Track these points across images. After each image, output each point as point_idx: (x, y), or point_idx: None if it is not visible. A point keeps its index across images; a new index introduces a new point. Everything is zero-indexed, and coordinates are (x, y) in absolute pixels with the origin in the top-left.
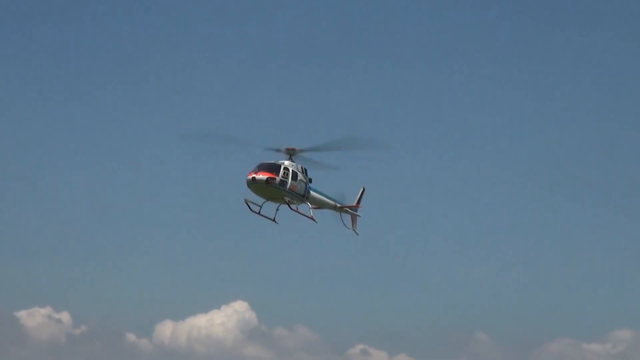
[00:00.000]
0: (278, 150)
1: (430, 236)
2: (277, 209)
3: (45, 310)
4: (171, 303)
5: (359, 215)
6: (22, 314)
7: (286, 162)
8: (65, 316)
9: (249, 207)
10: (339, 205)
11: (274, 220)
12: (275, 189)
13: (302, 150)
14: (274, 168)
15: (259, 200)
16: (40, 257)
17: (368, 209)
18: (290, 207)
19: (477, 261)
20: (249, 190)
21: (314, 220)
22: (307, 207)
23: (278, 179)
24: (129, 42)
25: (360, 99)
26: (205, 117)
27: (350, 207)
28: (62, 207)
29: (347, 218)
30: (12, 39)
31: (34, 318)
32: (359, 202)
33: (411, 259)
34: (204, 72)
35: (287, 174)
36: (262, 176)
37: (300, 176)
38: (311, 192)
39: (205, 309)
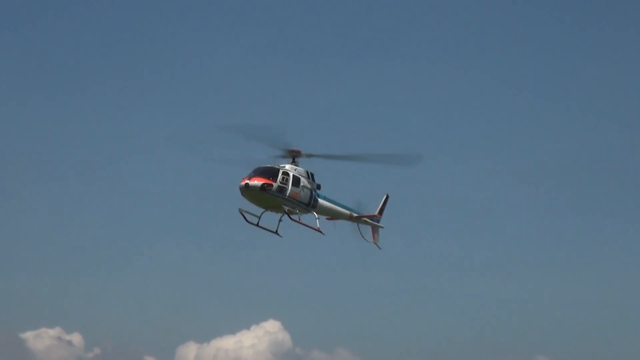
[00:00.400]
0: (281, 152)
1: (468, 249)
2: (280, 220)
3: (54, 332)
4: (194, 323)
5: (381, 227)
6: (28, 335)
7: (287, 166)
8: (76, 338)
9: (245, 218)
10: (355, 215)
11: (276, 232)
12: (272, 197)
13: (309, 155)
14: (271, 173)
15: (257, 210)
16: (48, 272)
17: (391, 219)
18: (291, 218)
19: (524, 277)
20: (243, 199)
21: (321, 231)
22: (312, 218)
23: (275, 185)
24: (125, 37)
25: (379, 98)
26: (198, 116)
27: (369, 217)
28: (70, 217)
29: (367, 230)
30: None
31: (42, 340)
32: (381, 211)
33: (447, 275)
34: (198, 65)
35: (287, 180)
36: (256, 182)
37: (303, 182)
38: (319, 200)
39: (233, 329)
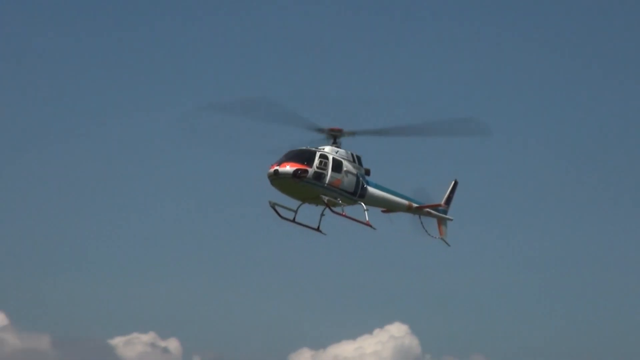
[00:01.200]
0: (320, 131)
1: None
2: (323, 214)
3: (147, 337)
4: (308, 327)
5: (450, 219)
6: (118, 341)
7: (326, 148)
8: (173, 344)
9: (278, 213)
10: (415, 205)
11: (318, 229)
12: (308, 186)
13: (353, 133)
14: (305, 157)
15: (292, 202)
16: (138, 271)
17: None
18: (332, 210)
19: None
20: (273, 189)
21: (371, 225)
22: (361, 210)
23: (311, 170)
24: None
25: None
26: (214, 89)
27: (433, 207)
28: (155, 212)
29: (432, 223)
30: None
31: (134, 347)
32: (448, 200)
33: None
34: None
35: (326, 164)
36: (288, 168)
37: (347, 166)
38: (369, 188)
39: (352, 334)
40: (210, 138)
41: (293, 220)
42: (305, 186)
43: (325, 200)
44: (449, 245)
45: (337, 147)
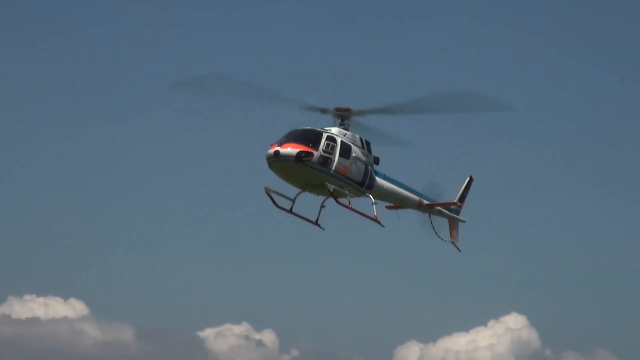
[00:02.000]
0: (323, 111)
1: None
2: (323, 205)
3: (240, 329)
4: (417, 318)
5: (463, 220)
6: (208, 333)
7: (333, 130)
8: (268, 336)
9: (273, 201)
10: (426, 202)
11: (316, 223)
12: (312, 171)
13: (362, 112)
14: (310, 137)
15: (291, 190)
16: (230, 257)
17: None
18: (338, 201)
19: None
20: (271, 172)
21: (379, 222)
22: (368, 203)
23: (317, 154)
24: None
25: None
26: (207, 58)
27: (445, 205)
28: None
29: (443, 224)
30: None
31: (225, 339)
32: (462, 198)
33: None
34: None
35: (334, 148)
36: (290, 150)
37: (356, 152)
38: (377, 179)
39: (465, 325)
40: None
41: (290, 211)
42: (309, 171)
43: (331, 189)
44: (459, 251)
45: (345, 129)
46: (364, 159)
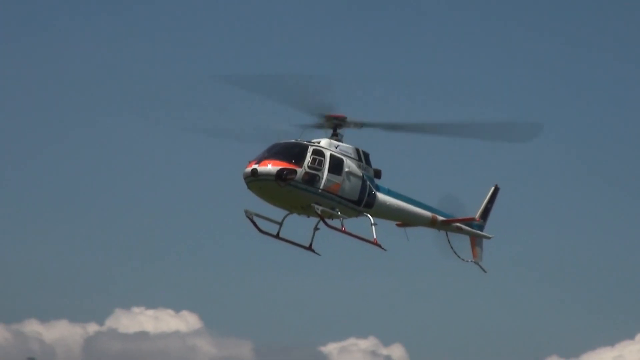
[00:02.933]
0: (320, 126)
1: None
2: (317, 228)
3: (366, 343)
4: (559, 332)
5: (488, 237)
6: (332, 348)
7: (323, 142)
8: (397, 351)
9: (255, 226)
10: (442, 218)
11: (309, 248)
12: (295, 191)
13: (360, 124)
14: (294, 152)
15: (275, 211)
16: (354, 265)
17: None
18: (327, 224)
19: None
20: (250, 193)
21: (380, 245)
22: (367, 224)
23: (301, 171)
24: None
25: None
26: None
27: (464, 222)
28: None
29: (463, 242)
30: None
31: (350, 355)
32: (486, 212)
33: None
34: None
35: (321, 163)
36: (269, 167)
37: (349, 166)
38: (379, 195)
39: (611, 339)
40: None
41: (277, 236)
42: (293, 191)
43: (319, 211)
44: (485, 272)
45: (338, 140)
46: (360, 174)
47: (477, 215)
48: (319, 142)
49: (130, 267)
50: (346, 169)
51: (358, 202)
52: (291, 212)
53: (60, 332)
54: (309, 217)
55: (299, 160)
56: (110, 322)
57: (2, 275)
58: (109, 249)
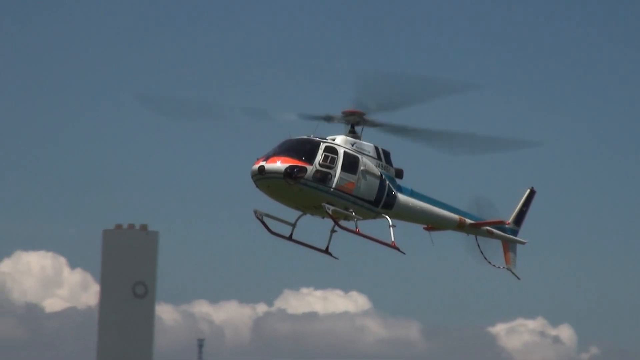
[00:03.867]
0: (329, 119)
1: None
2: (334, 230)
3: (534, 324)
4: None
5: (523, 242)
6: (500, 329)
7: (338, 139)
8: (565, 332)
9: (266, 227)
10: (470, 221)
11: (326, 251)
12: (305, 190)
13: (379, 124)
14: (305, 149)
15: (287, 211)
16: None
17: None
18: (340, 225)
19: None
20: (259, 192)
21: (398, 249)
22: (385, 226)
23: (311, 169)
24: None
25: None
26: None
27: (494, 225)
28: None
29: (495, 246)
30: None
31: (519, 335)
32: (520, 216)
33: None
34: None
35: (334, 160)
36: (278, 165)
37: (365, 164)
38: (400, 196)
39: None
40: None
41: (290, 238)
42: (303, 190)
43: (330, 212)
44: (519, 279)
45: (356, 137)
46: (378, 173)
47: (511, 219)
48: (334, 139)
49: (299, 248)
50: (362, 168)
51: (375, 203)
52: (304, 213)
53: (230, 313)
54: (323, 218)
55: (310, 158)
56: (279, 303)
57: (173, 258)
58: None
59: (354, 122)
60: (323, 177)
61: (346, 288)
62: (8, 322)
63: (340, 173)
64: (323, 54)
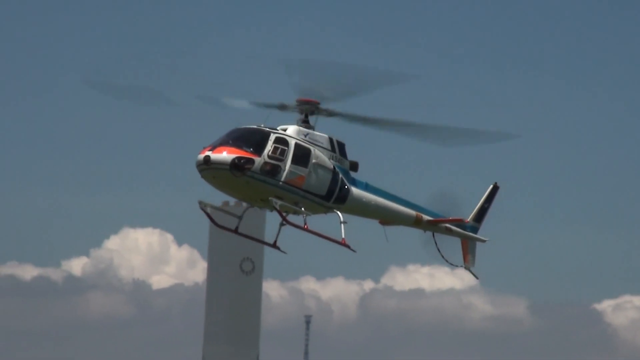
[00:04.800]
0: (282, 108)
1: None
2: (283, 224)
3: None
4: None
5: (483, 240)
6: (606, 306)
7: (289, 129)
8: None
9: (211, 219)
10: (428, 218)
11: (274, 245)
12: (253, 183)
13: (333, 113)
14: (253, 139)
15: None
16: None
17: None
18: (287, 221)
19: None
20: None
21: (349, 246)
22: (336, 222)
23: (259, 160)
24: None
25: None
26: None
27: (454, 223)
28: None
29: (453, 245)
30: None
31: (625, 312)
32: (481, 213)
33: None
34: None
35: (284, 153)
36: (224, 155)
37: (318, 157)
38: (354, 190)
39: None
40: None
41: (235, 231)
42: (250, 183)
43: (277, 206)
44: (477, 278)
45: (309, 128)
46: (331, 166)
47: (471, 216)
48: (285, 129)
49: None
50: (313, 160)
51: (327, 197)
52: (252, 205)
53: (336, 289)
54: (272, 211)
55: (259, 149)
56: (385, 280)
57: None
58: None
59: (307, 112)
60: (272, 170)
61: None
62: (116, 299)
63: (290, 166)
64: (278, 43)
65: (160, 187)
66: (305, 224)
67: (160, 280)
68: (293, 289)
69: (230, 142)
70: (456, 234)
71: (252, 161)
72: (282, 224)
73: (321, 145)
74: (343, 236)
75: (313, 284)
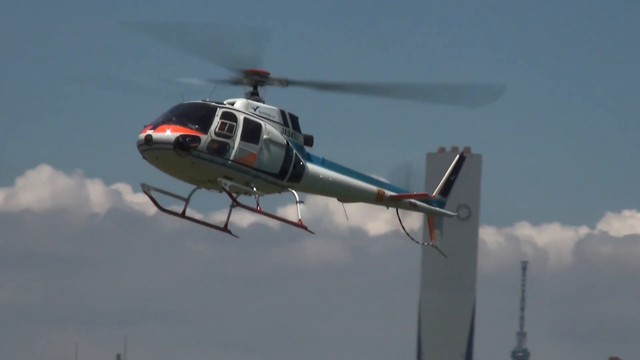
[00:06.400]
0: (233, 82)
1: None
2: (233, 205)
3: None
4: None
5: (451, 215)
6: None
7: (237, 103)
8: None
9: (155, 203)
10: (390, 194)
11: (225, 229)
12: (199, 163)
13: (286, 82)
14: (198, 115)
15: (180, 185)
16: None
17: None
18: (237, 202)
19: None
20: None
21: (305, 227)
22: (291, 202)
23: (206, 138)
24: None
25: None
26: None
27: (419, 198)
28: None
29: (418, 220)
30: None
31: None
32: (447, 186)
33: None
34: None
35: (232, 129)
36: (168, 134)
37: (270, 132)
38: (309, 166)
39: None
40: None
41: (182, 215)
42: (196, 163)
43: (226, 187)
44: (445, 257)
45: (258, 101)
46: (284, 141)
47: (437, 190)
48: (232, 104)
49: (622, 171)
50: (265, 136)
51: (280, 176)
52: (199, 187)
53: (552, 235)
54: (220, 192)
55: (205, 125)
56: (601, 225)
57: (496, 180)
58: None
59: (256, 83)
60: (219, 148)
61: None
62: (333, 245)
63: (239, 143)
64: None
65: (380, 134)
66: (257, 205)
67: (376, 227)
68: (509, 235)
69: (174, 119)
70: (422, 210)
71: (197, 139)
72: (232, 206)
73: (272, 119)
74: (299, 217)
75: (529, 230)
